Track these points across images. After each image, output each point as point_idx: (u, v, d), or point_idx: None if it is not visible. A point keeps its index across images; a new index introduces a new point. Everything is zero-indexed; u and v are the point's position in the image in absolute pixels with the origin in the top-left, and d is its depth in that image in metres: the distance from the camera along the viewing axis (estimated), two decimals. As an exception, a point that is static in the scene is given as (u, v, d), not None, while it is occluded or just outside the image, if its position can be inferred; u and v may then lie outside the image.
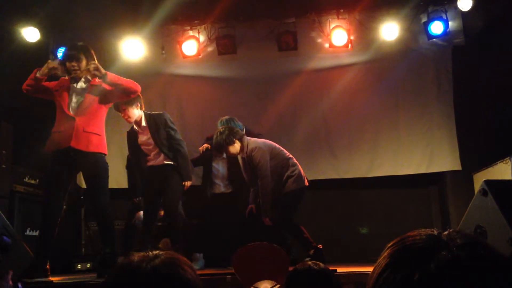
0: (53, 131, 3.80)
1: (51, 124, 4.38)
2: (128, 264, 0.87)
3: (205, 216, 5.37)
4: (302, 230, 4.51)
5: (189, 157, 4.79)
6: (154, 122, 4.37)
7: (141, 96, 4.20)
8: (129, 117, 4.26)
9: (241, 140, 4.53)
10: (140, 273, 0.84)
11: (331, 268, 2.32)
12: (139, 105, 4.29)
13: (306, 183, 4.61)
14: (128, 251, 4.51)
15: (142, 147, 4.50)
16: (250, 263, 2.72)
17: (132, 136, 4.56)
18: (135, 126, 4.46)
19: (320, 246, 4.47)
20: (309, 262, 2.16)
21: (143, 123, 4.37)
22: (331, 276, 2.11)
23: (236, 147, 4.52)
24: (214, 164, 5.23)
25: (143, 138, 4.45)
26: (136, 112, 4.28)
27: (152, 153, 4.49)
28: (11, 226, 3.61)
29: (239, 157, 4.70)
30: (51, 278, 3.61)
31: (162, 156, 4.44)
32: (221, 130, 4.54)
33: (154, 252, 0.90)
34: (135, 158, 4.69)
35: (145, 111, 4.40)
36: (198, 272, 0.91)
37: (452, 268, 0.64)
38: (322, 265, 2.14)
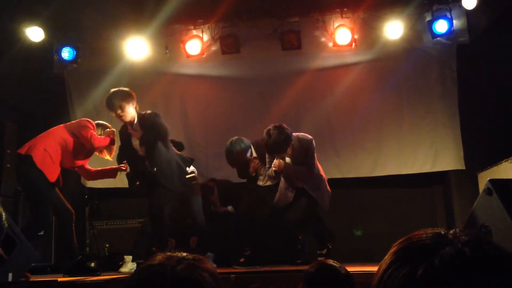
0: None
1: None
2: (151, 267, 0.88)
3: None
4: (324, 225, 4.46)
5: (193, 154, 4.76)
6: (144, 123, 4.17)
7: (135, 96, 4.16)
8: (124, 116, 4.13)
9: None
10: (162, 278, 0.85)
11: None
12: (135, 104, 4.17)
13: None
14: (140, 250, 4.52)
15: (140, 153, 4.30)
16: None
17: (124, 136, 4.37)
18: (128, 127, 4.29)
19: (329, 245, 4.48)
20: (334, 264, 2.02)
21: (135, 122, 4.22)
22: (353, 282, 1.98)
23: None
24: None
25: (136, 142, 4.28)
26: (132, 111, 4.15)
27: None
28: (16, 226, 3.64)
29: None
30: (55, 278, 3.62)
31: None
32: (277, 129, 4.18)
33: (179, 256, 0.91)
34: (129, 158, 4.39)
35: (138, 112, 4.24)
36: None
37: (456, 264, 0.63)
38: (345, 268, 2.00)
